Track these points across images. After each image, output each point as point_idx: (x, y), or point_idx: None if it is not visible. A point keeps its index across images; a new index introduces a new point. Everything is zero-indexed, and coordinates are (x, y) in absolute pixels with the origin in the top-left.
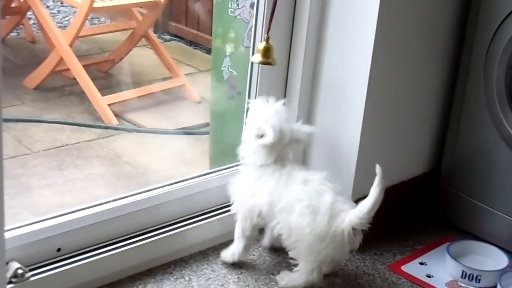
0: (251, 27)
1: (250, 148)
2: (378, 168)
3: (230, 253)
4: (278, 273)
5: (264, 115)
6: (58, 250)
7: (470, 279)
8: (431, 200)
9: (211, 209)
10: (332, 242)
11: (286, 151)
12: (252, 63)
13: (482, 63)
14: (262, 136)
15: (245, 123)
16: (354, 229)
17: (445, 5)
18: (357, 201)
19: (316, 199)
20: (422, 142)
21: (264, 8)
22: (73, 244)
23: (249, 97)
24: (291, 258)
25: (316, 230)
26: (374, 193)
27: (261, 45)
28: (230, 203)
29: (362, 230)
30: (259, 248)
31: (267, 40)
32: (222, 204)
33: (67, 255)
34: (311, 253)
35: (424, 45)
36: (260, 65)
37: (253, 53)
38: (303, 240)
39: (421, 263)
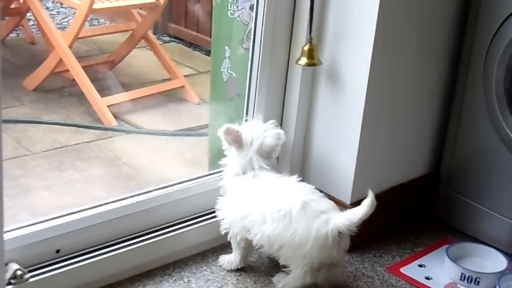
0: (251, 29)
1: (227, 158)
2: (370, 193)
3: (228, 261)
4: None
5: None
6: (57, 251)
7: (469, 281)
8: (430, 202)
9: (210, 211)
10: (316, 246)
11: (255, 160)
12: (251, 64)
13: (481, 66)
14: (226, 134)
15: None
16: (340, 232)
17: (445, 8)
18: (355, 204)
19: (286, 203)
20: (422, 145)
21: (264, 10)
22: (72, 245)
23: (248, 99)
24: (284, 266)
25: (295, 235)
26: (366, 206)
27: (306, 47)
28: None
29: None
30: (258, 250)
31: (311, 41)
32: None
33: (66, 257)
34: (298, 258)
35: (423, 48)
36: (251, 66)
37: (252, 55)
38: (286, 247)
39: (420, 265)
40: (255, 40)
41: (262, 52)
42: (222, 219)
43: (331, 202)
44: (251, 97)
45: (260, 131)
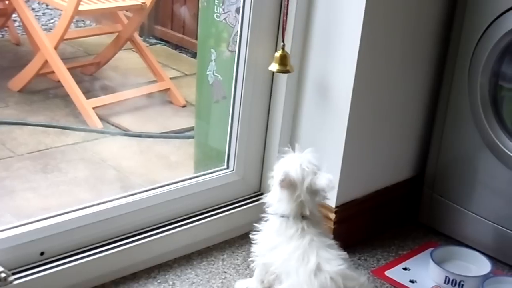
0: (237, 31)
1: (274, 196)
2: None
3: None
4: None
5: (288, 163)
6: (42, 253)
7: (453, 284)
8: (415, 206)
9: (195, 213)
10: None
11: (306, 203)
12: (237, 67)
13: (466, 70)
14: (282, 181)
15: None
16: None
17: (430, 12)
18: (340, 207)
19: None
20: (406, 148)
21: (250, 13)
22: (57, 247)
23: (234, 102)
24: None
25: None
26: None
27: (278, 54)
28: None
29: None
30: (243, 253)
31: (283, 47)
32: (206, 208)
33: (51, 259)
34: None
35: (408, 52)
36: (236, 69)
37: (238, 58)
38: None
39: (405, 269)
40: (241, 43)
41: (247, 55)
42: (256, 255)
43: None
44: (236, 100)
45: (310, 170)
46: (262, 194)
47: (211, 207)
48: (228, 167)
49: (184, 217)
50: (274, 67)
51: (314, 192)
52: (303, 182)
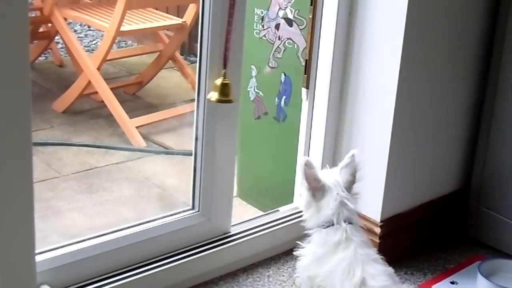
0: (277, 47)
1: (310, 208)
2: None
3: None
4: None
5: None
6: (89, 273)
7: None
8: (461, 219)
9: (242, 230)
10: None
11: (346, 200)
12: (281, 82)
13: (509, 81)
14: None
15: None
16: None
17: (472, 23)
18: (385, 221)
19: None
20: (451, 160)
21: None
22: (102, 267)
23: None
24: None
25: None
26: None
27: (218, 82)
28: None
29: None
30: (289, 269)
31: (225, 75)
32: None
33: (96, 279)
34: None
35: (451, 63)
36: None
37: (280, 73)
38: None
39: (452, 282)
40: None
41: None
42: (300, 270)
43: None
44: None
45: (336, 172)
46: None
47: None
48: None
49: (228, 234)
50: (213, 96)
51: (350, 179)
52: (334, 186)
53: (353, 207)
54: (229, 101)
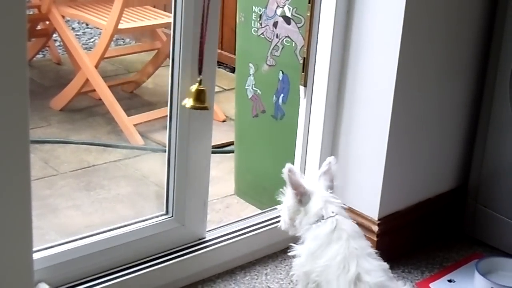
0: (275, 45)
1: (298, 215)
2: None
3: None
4: None
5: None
6: (86, 271)
7: None
8: (458, 217)
9: (240, 228)
10: None
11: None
12: (278, 80)
13: (508, 78)
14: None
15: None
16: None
17: (471, 20)
18: (383, 220)
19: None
20: (449, 159)
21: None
22: (100, 265)
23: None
24: None
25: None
26: None
27: (193, 88)
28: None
29: None
30: (286, 267)
31: (200, 81)
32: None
33: (94, 276)
34: None
35: (449, 62)
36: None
37: (278, 71)
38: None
39: (450, 280)
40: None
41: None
42: (297, 267)
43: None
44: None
45: (316, 178)
46: None
47: (259, 223)
48: None
49: (203, 240)
50: (188, 102)
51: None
52: (316, 190)
53: (339, 201)
54: (205, 108)
